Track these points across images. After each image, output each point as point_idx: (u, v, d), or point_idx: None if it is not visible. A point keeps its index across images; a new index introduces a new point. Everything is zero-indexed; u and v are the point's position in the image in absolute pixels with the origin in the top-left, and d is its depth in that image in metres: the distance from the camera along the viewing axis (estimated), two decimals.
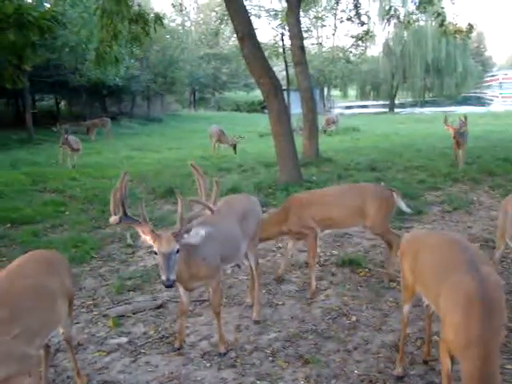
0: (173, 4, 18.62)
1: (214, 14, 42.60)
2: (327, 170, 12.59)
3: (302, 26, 14.62)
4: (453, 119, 13.51)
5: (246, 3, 10.50)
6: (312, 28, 42.03)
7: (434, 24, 32.98)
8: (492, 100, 49.50)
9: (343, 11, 29.07)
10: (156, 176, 12.80)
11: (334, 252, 6.97)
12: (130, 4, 10.63)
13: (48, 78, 25.50)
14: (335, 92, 57.82)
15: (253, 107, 48.76)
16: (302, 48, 13.90)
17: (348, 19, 23.10)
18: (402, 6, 27.44)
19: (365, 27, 21.49)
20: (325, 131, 23.71)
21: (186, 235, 3.86)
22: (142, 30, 11.06)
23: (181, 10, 24.09)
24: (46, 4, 15.38)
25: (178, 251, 3.75)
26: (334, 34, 48.41)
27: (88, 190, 11.03)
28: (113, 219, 3.90)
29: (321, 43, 45.55)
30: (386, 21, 23.17)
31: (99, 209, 9.58)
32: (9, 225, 8.60)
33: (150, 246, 3.87)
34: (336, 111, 40.26)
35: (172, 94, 42.25)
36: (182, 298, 4.55)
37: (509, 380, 3.84)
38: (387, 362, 4.23)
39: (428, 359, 4.16)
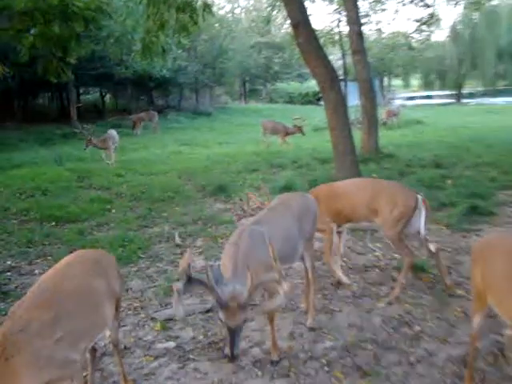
0: None
1: None
2: (388, 167, 12.39)
3: (359, 10, 14.39)
4: None
5: None
6: (371, 12, 41.29)
7: (509, 3, 31.74)
8: None
9: None
10: (205, 173, 12.96)
11: (396, 255, 6.85)
12: None
13: (93, 71, 26.26)
14: (396, 82, 56.77)
15: (307, 99, 48.61)
16: (360, 34, 13.71)
17: (411, 2, 22.58)
18: None
19: (429, 10, 20.98)
20: (385, 124, 23.34)
21: (266, 303, 3.87)
22: (190, 18, 11.15)
23: None
24: None
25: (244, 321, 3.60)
26: (394, 19, 47.58)
27: (135, 187, 11.30)
28: (176, 287, 3.64)
29: (380, 29, 44.79)
30: (453, 2, 22.50)
31: (146, 206, 9.81)
32: (53, 223, 8.92)
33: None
34: (397, 102, 39.48)
35: (221, 86, 42.78)
36: None
37: None
38: (454, 377, 4.11)
39: None
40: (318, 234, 5.72)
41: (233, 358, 3.50)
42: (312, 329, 4.99)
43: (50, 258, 7.23)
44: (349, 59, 25.40)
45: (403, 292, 5.71)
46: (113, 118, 28.86)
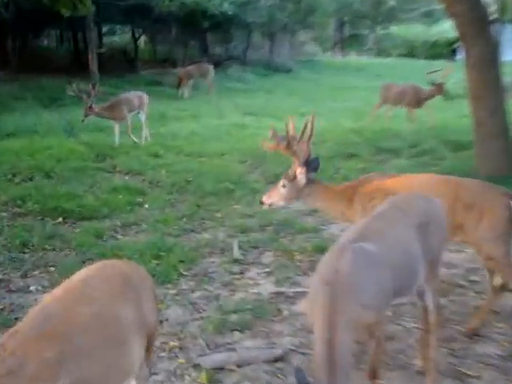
0: None
1: None
2: None
3: None
4: None
5: None
6: None
7: None
8: None
9: None
10: (279, 156, 12.94)
11: None
12: None
13: (122, 1, 26.57)
14: None
15: (436, 51, 47.74)
16: None
17: None
18: None
19: None
20: None
21: None
22: None
23: None
24: None
25: None
26: None
27: (177, 174, 11.49)
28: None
29: None
30: None
31: (193, 202, 9.96)
32: (60, 219, 9.22)
33: None
34: None
35: (307, 30, 42.61)
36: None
37: None
38: None
39: None
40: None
41: None
42: None
43: (52, 268, 7.46)
44: None
45: None
46: (149, 72, 29.41)
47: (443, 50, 46.80)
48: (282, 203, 6.62)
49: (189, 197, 10.25)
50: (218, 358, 5.48)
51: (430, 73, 17.87)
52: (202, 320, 6.23)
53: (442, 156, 12.75)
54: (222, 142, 14.75)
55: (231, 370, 5.32)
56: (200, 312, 6.43)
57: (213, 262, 7.73)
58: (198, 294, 6.88)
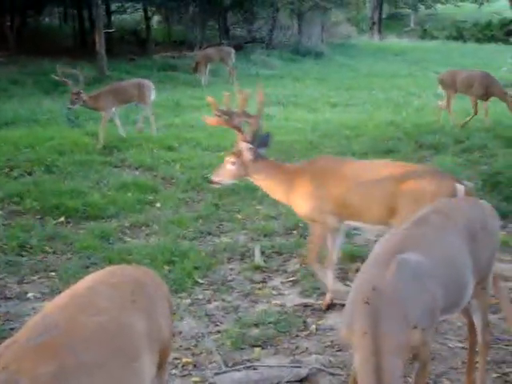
0: None
1: None
2: None
3: None
4: None
5: None
6: None
7: None
8: None
9: None
10: (308, 151, 12.98)
11: None
12: None
13: None
14: None
15: (488, 33, 47.41)
16: None
17: None
18: None
19: None
20: None
21: None
22: None
23: None
24: None
25: None
26: None
27: (193, 170, 11.56)
28: None
29: None
30: None
31: (211, 201, 9.98)
32: (62, 218, 9.28)
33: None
34: None
35: (341, 9, 42.47)
36: None
37: None
38: None
39: None
40: None
41: None
42: None
43: (52, 273, 7.52)
44: None
45: None
46: (162, 55, 29.48)
47: (497, 32, 46.49)
48: (230, 181, 7.17)
49: (206, 195, 10.27)
50: (236, 376, 5.49)
51: None
52: (218, 334, 6.25)
53: (494, 153, 12.66)
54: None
55: None
56: (217, 325, 6.45)
57: (232, 269, 7.75)
58: (214, 304, 6.90)
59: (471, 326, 5.06)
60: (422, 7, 53.15)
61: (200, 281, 7.41)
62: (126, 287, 3.59)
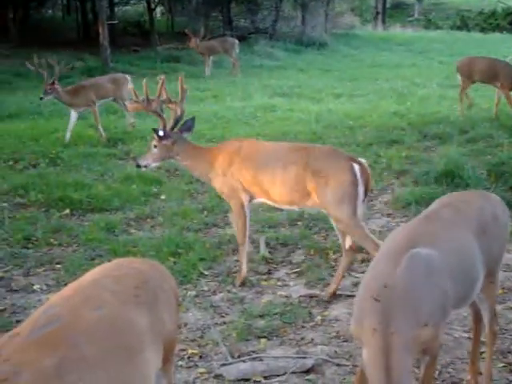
0: None
1: None
2: None
3: None
4: None
5: None
6: None
7: None
8: None
9: None
10: (313, 142, 12.97)
11: None
12: None
13: None
14: None
15: (493, 22, 47.33)
16: None
17: None
18: None
19: None
20: None
21: None
22: None
23: None
24: None
25: None
26: None
27: None
28: None
29: None
30: None
31: (216, 193, 9.95)
32: (67, 211, 9.32)
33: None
34: None
35: None
36: None
37: None
38: None
39: None
40: None
41: None
42: None
43: (58, 266, 7.56)
44: None
45: None
46: (166, 47, 29.46)
47: (501, 21, 46.39)
48: (156, 164, 7.62)
49: (210, 187, 10.26)
50: (242, 367, 5.51)
51: None
52: (224, 325, 6.28)
53: (498, 143, 12.63)
54: (248, 126, 14.78)
55: (257, 382, 5.36)
56: (222, 316, 6.48)
57: (237, 261, 7.70)
58: (220, 296, 6.93)
59: (476, 316, 5.07)
60: None
61: (205, 272, 7.44)
62: (130, 281, 3.60)
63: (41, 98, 14.14)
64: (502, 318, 6.21)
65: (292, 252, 8.03)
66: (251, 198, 7.20)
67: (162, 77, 7.91)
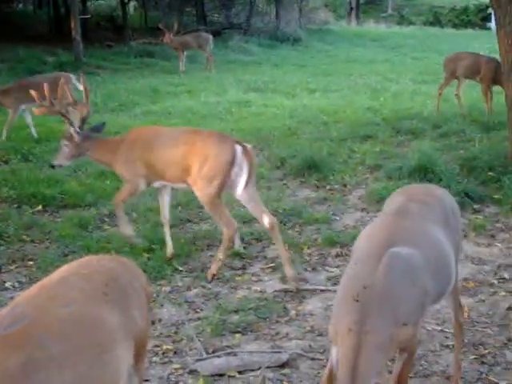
0: None
1: None
2: None
3: None
4: None
5: None
6: None
7: None
8: None
9: None
10: (287, 138, 13.03)
11: None
12: None
13: None
14: None
15: (464, 18, 47.73)
16: None
17: None
18: None
19: None
20: None
21: None
22: None
23: None
24: None
25: None
26: None
27: None
28: None
29: None
30: None
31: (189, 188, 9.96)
32: (40, 207, 9.27)
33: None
34: None
35: None
36: None
37: None
38: None
39: None
40: None
41: None
42: None
43: (31, 262, 7.52)
44: None
45: None
46: (139, 42, 29.39)
47: (473, 18, 46.72)
48: (68, 161, 7.99)
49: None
50: (216, 362, 5.52)
51: None
52: (199, 321, 6.28)
53: (470, 138, 12.72)
54: (222, 121, 14.78)
55: (232, 377, 5.37)
56: (197, 312, 6.49)
57: (211, 256, 7.70)
58: (194, 291, 6.92)
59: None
60: None
61: (180, 268, 7.43)
62: (98, 279, 3.58)
63: None
64: (474, 311, 6.34)
65: (266, 247, 8.03)
66: (149, 182, 7.66)
67: (62, 79, 8.58)
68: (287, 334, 6.01)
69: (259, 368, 5.44)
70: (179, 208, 9.25)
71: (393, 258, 3.86)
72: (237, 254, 7.74)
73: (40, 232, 8.36)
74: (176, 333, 6.08)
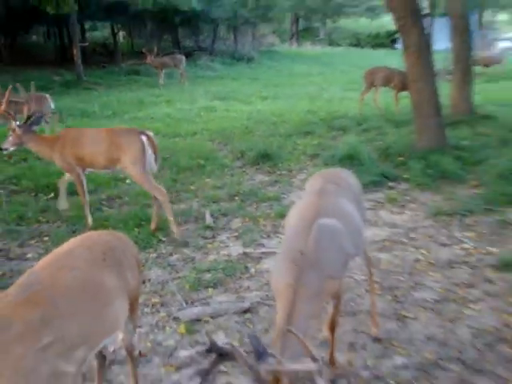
0: None
1: None
2: (486, 132, 12.12)
3: None
4: None
5: None
6: None
7: None
8: None
9: None
10: (245, 135, 13.02)
11: (492, 249, 6.78)
12: None
13: (102, 0, 26.27)
14: (502, 17, 54.91)
15: (379, 41, 48.03)
16: None
17: None
18: None
19: None
20: (484, 75, 22.78)
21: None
22: None
23: None
24: None
25: None
26: None
27: None
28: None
29: None
30: None
31: (169, 177, 9.94)
32: (52, 195, 9.14)
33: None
34: (501, 45, 38.26)
35: (267, 23, 42.45)
36: None
37: None
38: None
39: None
40: None
41: None
42: (377, 340, 5.02)
43: (46, 238, 7.47)
44: None
45: (502, 298, 5.67)
46: (128, 63, 29.14)
47: (384, 41, 46.97)
48: (13, 147, 7.84)
49: (166, 172, 10.21)
50: (194, 311, 5.55)
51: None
52: (179, 279, 6.28)
53: (386, 132, 12.80)
54: (193, 124, 14.71)
55: (206, 321, 5.40)
56: (177, 272, 6.48)
57: (187, 229, 7.75)
58: (175, 256, 6.92)
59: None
60: (328, 21, 53.34)
61: (163, 239, 7.40)
62: (98, 249, 3.61)
63: None
64: (390, 264, 6.47)
65: (231, 221, 8.02)
66: (83, 169, 7.69)
67: (10, 86, 8.69)
68: (248, 287, 6.05)
69: (226, 314, 5.50)
70: None
71: (320, 228, 3.96)
72: (208, 227, 7.73)
73: (53, 214, 8.27)
74: (162, 289, 6.07)
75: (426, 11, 25.64)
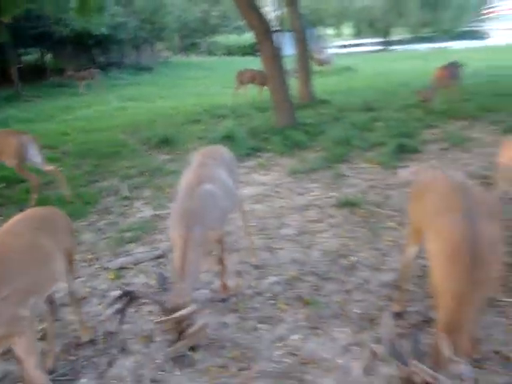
0: None
1: None
2: (323, 112, 12.48)
3: None
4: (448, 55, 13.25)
5: None
6: None
7: None
8: (489, 34, 48.41)
9: None
10: (149, 126, 12.67)
11: (332, 193, 7.00)
12: None
13: (31, 30, 24.79)
14: (330, 31, 56.43)
15: (245, 51, 47.94)
16: None
17: None
18: None
19: None
20: (318, 72, 23.34)
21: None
22: None
23: None
24: None
25: None
26: None
27: (81, 145, 10.94)
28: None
29: None
30: None
31: (92, 163, 9.52)
32: (4, 184, 8.58)
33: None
34: (330, 51, 39.35)
35: (162, 41, 41.35)
36: None
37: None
38: (387, 300, 4.31)
39: None
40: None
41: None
42: (256, 266, 5.08)
43: (0, 217, 6.99)
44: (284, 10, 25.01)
45: (341, 227, 5.89)
46: (56, 78, 27.69)
47: (250, 50, 47.01)
48: None
49: (90, 160, 9.76)
50: (120, 261, 5.43)
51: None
52: (107, 239, 6.09)
53: (254, 117, 12.85)
54: (110, 120, 14.14)
55: (130, 268, 5.30)
56: (105, 234, 6.28)
57: (110, 201, 7.49)
58: (102, 222, 6.68)
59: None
60: (207, 37, 52.76)
61: (92, 210, 7.12)
62: (37, 219, 3.58)
63: None
64: (261, 212, 6.42)
65: (143, 191, 7.80)
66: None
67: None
68: (160, 239, 5.95)
69: (144, 261, 5.43)
70: (87, 175, 8.81)
71: (202, 191, 3.96)
72: (126, 197, 7.50)
73: (5, 199, 7.79)
74: (94, 247, 5.88)
75: (277, 28, 25.94)
